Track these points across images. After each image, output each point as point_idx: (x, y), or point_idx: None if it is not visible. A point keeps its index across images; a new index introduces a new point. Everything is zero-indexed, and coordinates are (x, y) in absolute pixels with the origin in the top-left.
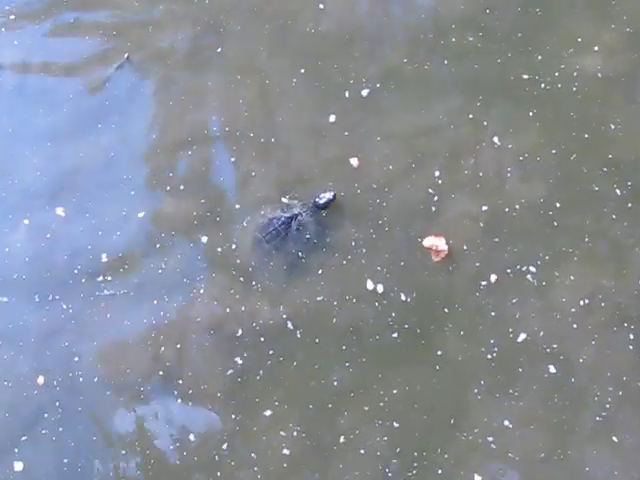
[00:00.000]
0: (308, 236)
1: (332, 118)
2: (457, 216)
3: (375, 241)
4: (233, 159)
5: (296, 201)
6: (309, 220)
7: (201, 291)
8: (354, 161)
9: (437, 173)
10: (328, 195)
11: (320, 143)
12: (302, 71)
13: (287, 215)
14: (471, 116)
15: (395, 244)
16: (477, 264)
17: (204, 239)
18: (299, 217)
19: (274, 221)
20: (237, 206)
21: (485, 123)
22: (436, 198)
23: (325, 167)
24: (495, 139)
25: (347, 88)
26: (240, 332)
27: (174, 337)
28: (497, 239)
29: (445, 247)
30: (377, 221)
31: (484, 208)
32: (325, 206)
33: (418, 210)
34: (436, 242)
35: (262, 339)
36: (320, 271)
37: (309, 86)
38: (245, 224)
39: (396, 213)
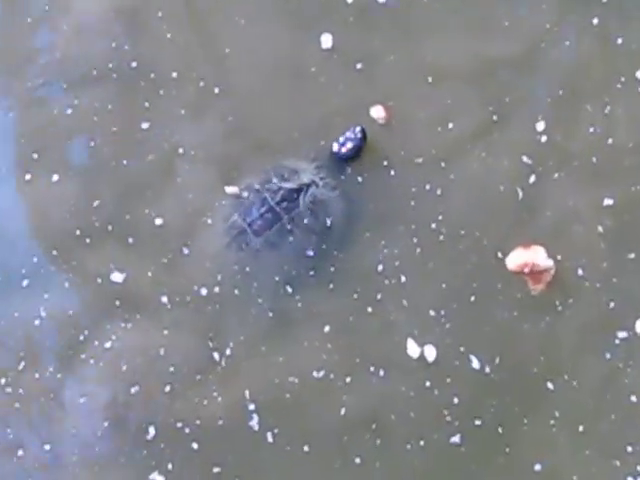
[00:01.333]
0: (330, 223)
1: (328, 41)
2: (563, 215)
3: (421, 261)
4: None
5: (310, 163)
6: (329, 194)
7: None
8: (377, 111)
9: (524, 138)
10: (352, 137)
11: (307, 86)
12: None
13: (290, 186)
14: (596, 22)
15: (458, 265)
16: (606, 301)
17: (116, 277)
18: (313, 186)
19: (266, 197)
20: (190, 195)
21: (619, 41)
22: (528, 181)
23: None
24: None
25: None
26: (153, 432)
27: None
28: (633, 255)
29: (549, 264)
30: (425, 224)
31: (608, 202)
32: (355, 152)
33: (496, 204)
34: (530, 257)
35: (197, 446)
36: (326, 320)
37: None
38: (209, 221)
39: (457, 209)
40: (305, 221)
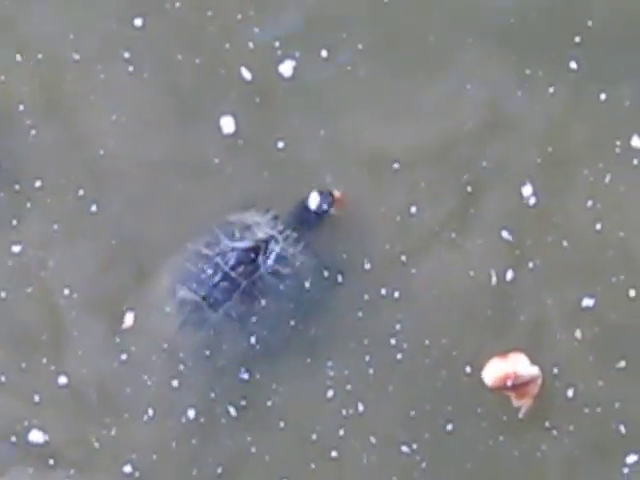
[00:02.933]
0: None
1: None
2: (541, 316)
3: (379, 383)
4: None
5: (264, 215)
6: (295, 245)
7: None
8: (314, 200)
9: (505, 207)
10: (317, 198)
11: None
12: None
13: (244, 245)
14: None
15: (426, 384)
16: (602, 419)
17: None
18: (273, 245)
19: (218, 262)
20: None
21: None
22: (505, 269)
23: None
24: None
25: None
26: None
27: None
28: (623, 363)
29: (533, 372)
30: (380, 337)
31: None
32: (318, 219)
33: (467, 301)
34: (510, 368)
35: None
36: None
37: None
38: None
39: (419, 314)
40: (269, 286)
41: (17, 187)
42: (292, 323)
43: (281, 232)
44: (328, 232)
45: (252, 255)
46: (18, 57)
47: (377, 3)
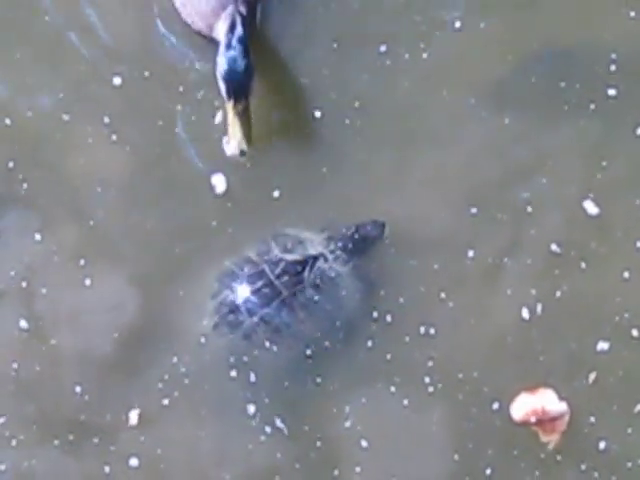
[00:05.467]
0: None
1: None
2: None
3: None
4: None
5: (319, 234)
6: (343, 265)
7: None
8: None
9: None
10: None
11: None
12: None
13: (293, 258)
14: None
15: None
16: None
17: None
18: (322, 262)
19: (264, 269)
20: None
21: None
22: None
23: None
24: None
25: None
26: None
27: None
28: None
29: (561, 409)
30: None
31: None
32: (364, 247)
33: (498, 335)
34: (537, 403)
35: None
36: None
37: None
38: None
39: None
40: (309, 300)
41: None
42: (326, 344)
43: (332, 252)
44: (377, 261)
45: (299, 268)
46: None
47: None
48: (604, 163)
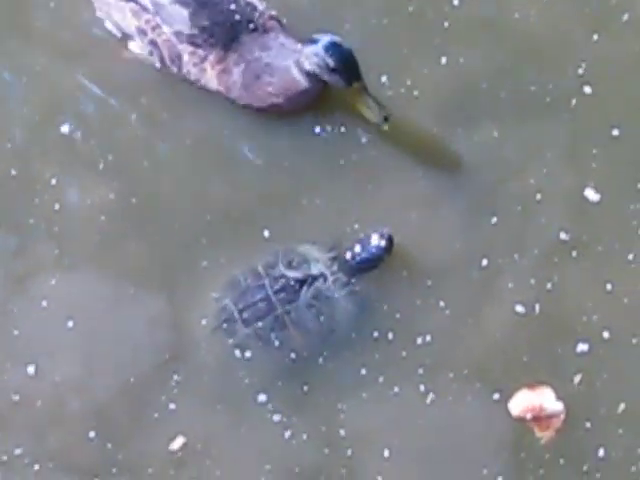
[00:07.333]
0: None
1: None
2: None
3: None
4: None
5: (319, 250)
6: (341, 291)
7: None
8: None
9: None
10: (378, 240)
11: None
12: None
13: (294, 275)
14: None
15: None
16: None
17: None
18: (321, 282)
19: (265, 284)
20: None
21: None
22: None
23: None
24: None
25: None
26: None
27: None
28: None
29: (557, 408)
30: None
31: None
32: (373, 263)
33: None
34: (536, 400)
35: None
36: None
37: None
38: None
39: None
40: (305, 314)
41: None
42: (320, 361)
43: (333, 273)
44: (378, 282)
45: (297, 286)
46: None
47: None
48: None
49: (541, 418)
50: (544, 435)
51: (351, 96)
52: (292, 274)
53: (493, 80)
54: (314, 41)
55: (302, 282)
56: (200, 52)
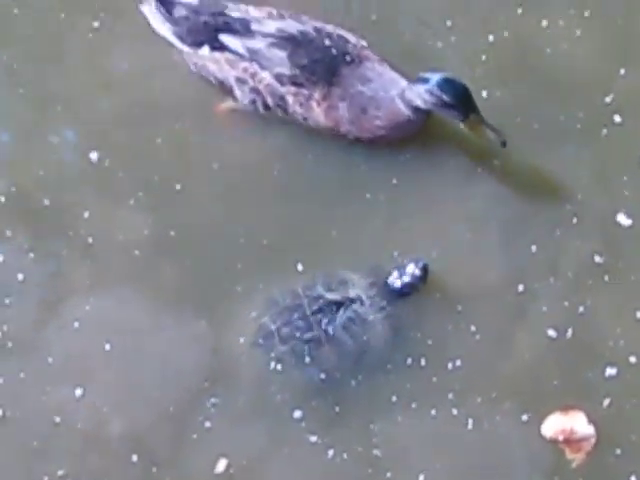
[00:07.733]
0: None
1: None
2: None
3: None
4: None
5: (358, 275)
6: (376, 314)
7: None
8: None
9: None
10: (413, 269)
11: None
12: None
13: (332, 297)
14: None
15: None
16: None
17: None
18: (357, 302)
19: (303, 304)
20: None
21: None
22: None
23: None
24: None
25: None
26: None
27: None
28: None
29: (589, 432)
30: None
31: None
32: (408, 291)
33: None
34: (567, 423)
35: None
36: None
37: None
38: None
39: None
40: (337, 339)
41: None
42: (352, 383)
43: (370, 297)
44: (412, 308)
45: (334, 308)
46: None
47: None
48: None
49: (572, 441)
50: (575, 457)
51: (468, 127)
52: (330, 296)
53: (527, 111)
54: (424, 80)
55: (339, 304)
56: (304, 91)
